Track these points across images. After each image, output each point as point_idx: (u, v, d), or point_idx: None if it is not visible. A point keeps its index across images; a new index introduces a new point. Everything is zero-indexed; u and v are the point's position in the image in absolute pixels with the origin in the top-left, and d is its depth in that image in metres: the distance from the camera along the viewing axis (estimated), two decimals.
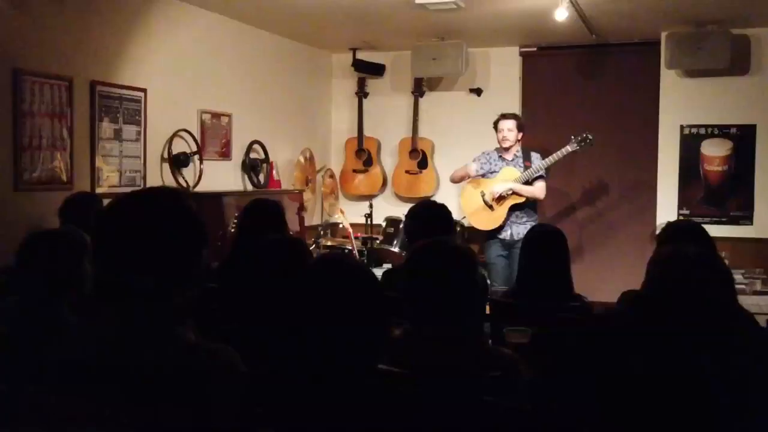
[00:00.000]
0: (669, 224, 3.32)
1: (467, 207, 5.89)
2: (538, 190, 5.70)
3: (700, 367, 1.09)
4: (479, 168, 5.80)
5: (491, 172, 5.79)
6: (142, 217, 1.56)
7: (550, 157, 5.65)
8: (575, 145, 5.66)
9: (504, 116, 5.78)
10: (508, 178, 5.67)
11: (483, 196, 5.74)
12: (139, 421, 1.46)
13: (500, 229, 5.70)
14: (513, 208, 5.67)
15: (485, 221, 5.77)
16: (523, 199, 5.63)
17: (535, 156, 5.72)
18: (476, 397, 1.63)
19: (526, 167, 5.66)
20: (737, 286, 4.47)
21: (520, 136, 5.75)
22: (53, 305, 2.40)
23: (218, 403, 1.48)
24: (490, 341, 3.13)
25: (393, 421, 1.46)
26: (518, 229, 5.60)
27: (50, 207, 4.10)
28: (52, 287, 2.42)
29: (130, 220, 1.56)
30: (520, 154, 5.76)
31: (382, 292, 1.56)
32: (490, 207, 5.71)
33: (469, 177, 5.86)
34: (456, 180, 6.07)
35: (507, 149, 5.73)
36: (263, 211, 3.53)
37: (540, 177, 5.70)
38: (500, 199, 5.63)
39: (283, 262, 2.26)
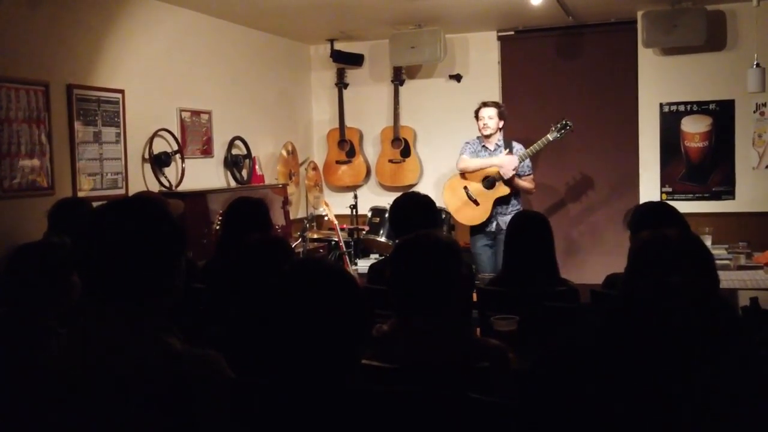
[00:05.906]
0: (637, 208, 3.32)
1: (451, 203, 5.79)
2: (531, 183, 5.69)
3: (679, 355, 1.10)
4: (471, 155, 5.71)
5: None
6: (121, 228, 1.57)
7: (530, 148, 5.56)
8: (555, 133, 5.58)
9: (485, 104, 5.72)
10: (491, 173, 5.61)
11: (467, 191, 5.69)
12: (126, 429, 1.46)
13: (486, 222, 5.62)
14: (498, 202, 5.59)
15: (470, 217, 5.68)
16: (508, 191, 5.56)
17: (517, 147, 5.64)
18: (464, 391, 1.64)
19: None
20: (721, 262, 4.53)
21: (501, 124, 5.68)
22: (42, 317, 2.39)
23: (205, 410, 1.49)
24: (477, 330, 3.15)
25: (379, 418, 1.47)
26: (504, 219, 5.47)
27: (32, 214, 4.08)
28: (40, 299, 2.42)
29: (109, 232, 1.56)
30: (501, 143, 5.68)
31: (360, 293, 1.57)
32: (475, 202, 5.66)
33: (468, 168, 5.67)
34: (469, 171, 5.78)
35: (488, 137, 5.66)
36: (246, 210, 3.52)
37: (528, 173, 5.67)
38: (508, 181, 5.51)
39: (265, 263, 2.26)
